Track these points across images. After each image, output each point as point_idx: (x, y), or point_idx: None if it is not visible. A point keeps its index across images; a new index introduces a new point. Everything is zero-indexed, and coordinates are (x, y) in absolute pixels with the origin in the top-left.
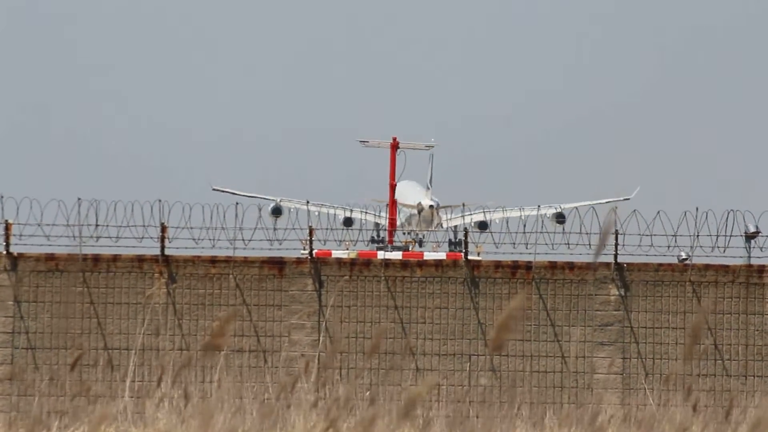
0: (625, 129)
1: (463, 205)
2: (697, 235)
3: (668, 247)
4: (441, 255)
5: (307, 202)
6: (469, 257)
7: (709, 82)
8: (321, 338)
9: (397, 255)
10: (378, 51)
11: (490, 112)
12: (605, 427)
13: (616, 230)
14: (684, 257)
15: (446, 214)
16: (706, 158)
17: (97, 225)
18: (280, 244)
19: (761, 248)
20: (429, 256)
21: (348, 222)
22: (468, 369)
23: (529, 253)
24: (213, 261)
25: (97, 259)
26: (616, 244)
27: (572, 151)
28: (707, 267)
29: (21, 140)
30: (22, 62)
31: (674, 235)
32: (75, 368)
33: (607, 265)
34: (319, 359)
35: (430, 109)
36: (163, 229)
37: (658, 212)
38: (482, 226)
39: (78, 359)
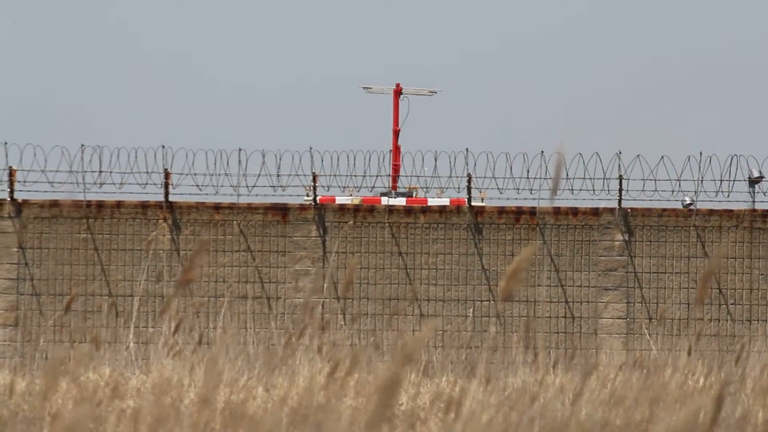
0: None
1: (467, 150)
2: (701, 180)
3: (672, 191)
4: (445, 201)
5: (311, 148)
6: (473, 203)
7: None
8: (325, 284)
9: (401, 201)
10: None
11: (494, 53)
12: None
13: (620, 175)
14: (688, 202)
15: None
16: (711, 102)
17: (100, 171)
18: (284, 190)
19: (765, 193)
20: (433, 202)
21: None
22: (472, 314)
23: (533, 199)
24: (217, 207)
25: (100, 205)
26: (620, 189)
27: (575, 96)
28: (711, 212)
29: (23, 86)
30: (26, 2)
31: (678, 180)
32: (69, 311)
33: (611, 210)
34: (323, 305)
35: (434, 53)
36: (167, 175)
37: (662, 157)
38: None
39: (71, 302)
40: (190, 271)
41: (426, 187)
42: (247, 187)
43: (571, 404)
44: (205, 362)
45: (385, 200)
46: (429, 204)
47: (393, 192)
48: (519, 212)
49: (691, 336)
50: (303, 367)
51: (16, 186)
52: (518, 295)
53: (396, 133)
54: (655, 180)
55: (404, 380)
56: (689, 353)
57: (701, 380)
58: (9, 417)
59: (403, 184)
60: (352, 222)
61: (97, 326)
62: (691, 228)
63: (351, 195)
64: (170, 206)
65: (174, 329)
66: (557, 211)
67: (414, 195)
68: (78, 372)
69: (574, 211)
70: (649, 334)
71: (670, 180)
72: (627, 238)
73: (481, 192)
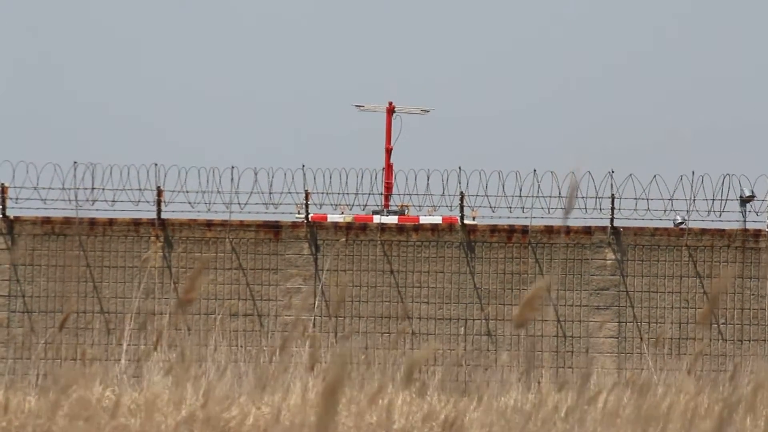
0: (619, 92)
1: (460, 168)
2: (694, 199)
3: (665, 211)
4: (437, 219)
5: (303, 166)
6: (465, 221)
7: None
8: (317, 302)
9: (393, 219)
10: (373, 12)
11: (487, 73)
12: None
13: (612, 194)
14: (680, 221)
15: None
16: (703, 121)
17: (93, 188)
18: (276, 208)
19: (756, 212)
20: (425, 220)
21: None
22: (464, 333)
23: (525, 217)
24: (209, 225)
25: (93, 222)
26: (612, 208)
27: (569, 115)
28: (703, 231)
29: (15, 103)
30: (18, 20)
31: (671, 199)
32: (63, 329)
33: (604, 229)
34: (314, 323)
35: (427, 73)
36: (159, 192)
37: (654, 176)
38: None
39: (65, 320)
40: (191, 290)
41: (419, 205)
42: (239, 204)
43: (564, 422)
44: (195, 379)
45: (377, 218)
46: (421, 222)
47: (385, 210)
48: (511, 230)
49: (690, 356)
50: (294, 384)
51: (8, 203)
52: (510, 313)
53: (388, 152)
54: (647, 199)
55: (398, 399)
56: (689, 372)
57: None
58: None
59: (395, 202)
60: (344, 240)
61: (88, 343)
62: (683, 247)
63: (342, 213)
64: (162, 223)
65: (155, 343)
66: (549, 230)
67: (406, 213)
68: (72, 389)
69: (567, 230)
70: (642, 354)
71: (662, 199)
72: (619, 257)
73: (473, 210)
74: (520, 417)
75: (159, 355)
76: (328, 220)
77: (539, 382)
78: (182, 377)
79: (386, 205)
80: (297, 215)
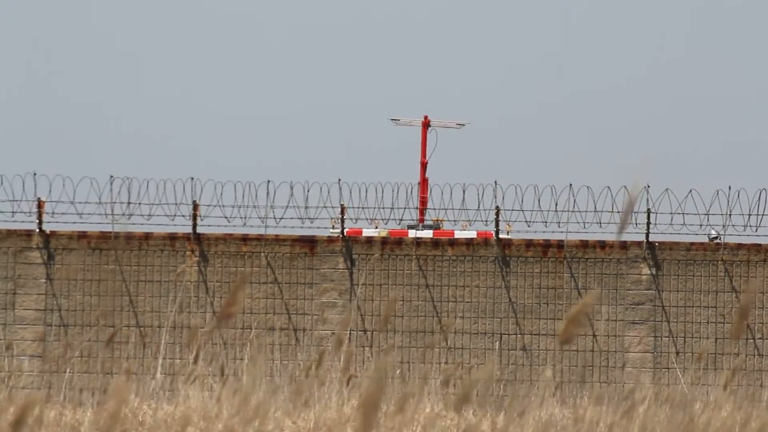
0: (655, 104)
1: (495, 183)
2: (730, 214)
3: (700, 225)
4: (472, 233)
5: (339, 180)
6: (501, 236)
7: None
8: (352, 317)
9: (428, 233)
10: (409, 26)
11: (524, 86)
12: (638, 406)
13: (648, 209)
14: (714, 235)
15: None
16: (739, 135)
17: (129, 203)
18: (312, 222)
19: None
20: (459, 234)
21: None
22: (499, 347)
23: (561, 232)
24: (245, 239)
25: (129, 236)
26: (648, 223)
27: (601, 127)
28: (739, 246)
29: (52, 117)
30: (47, 34)
31: (707, 214)
32: (109, 345)
33: (639, 243)
34: (350, 337)
35: (463, 87)
36: (195, 206)
37: (690, 191)
38: None
39: (113, 336)
40: (232, 305)
41: (454, 220)
42: (275, 218)
43: None
44: (232, 394)
45: (412, 233)
46: (456, 236)
47: (420, 224)
48: (547, 245)
49: (726, 371)
50: (330, 399)
51: (45, 217)
52: (546, 328)
53: (423, 166)
54: (683, 214)
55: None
56: (725, 388)
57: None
58: None
59: (430, 216)
60: (378, 255)
61: (124, 357)
62: (719, 262)
63: (377, 227)
64: (198, 238)
65: (195, 357)
66: (585, 245)
67: (440, 227)
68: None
69: (602, 245)
70: (677, 369)
71: (698, 214)
72: (654, 272)
73: (507, 224)
74: None
75: (195, 369)
76: (363, 234)
77: (575, 398)
78: (218, 391)
79: (421, 220)
80: (332, 230)
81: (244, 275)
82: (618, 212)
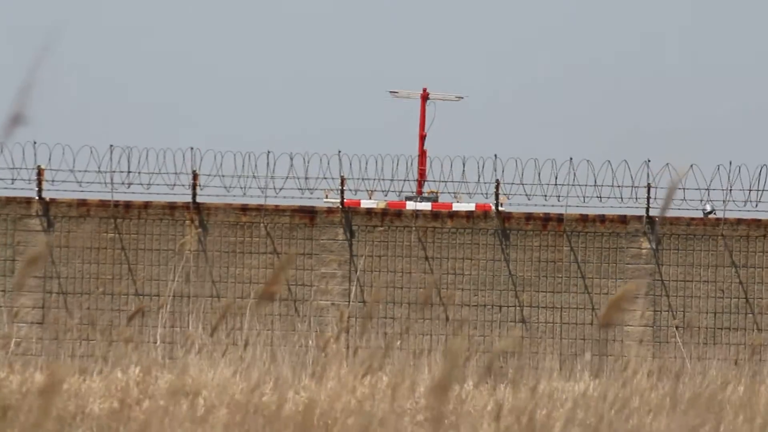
0: (656, 79)
1: (495, 156)
2: (730, 189)
3: (701, 200)
4: (469, 206)
5: (339, 152)
6: (500, 208)
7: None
8: (352, 288)
9: (426, 206)
10: None
11: (519, 61)
12: (637, 378)
13: (648, 183)
14: (708, 210)
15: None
16: (739, 111)
17: (129, 172)
18: (311, 193)
19: None
20: (457, 207)
21: None
22: (498, 320)
23: (561, 206)
24: (244, 209)
25: (128, 205)
26: (648, 197)
27: (604, 102)
28: (739, 221)
29: (52, 85)
30: (51, 6)
31: (707, 189)
32: (131, 321)
33: (639, 218)
34: (349, 308)
35: (461, 60)
36: (195, 176)
37: (691, 166)
38: None
39: (137, 312)
40: (274, 282)
41: (454, 192)
42: (274, 189)
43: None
44: (232, 363)
45: (410, 204)
46: (454, 209)
47: (417, 196)
48: (546, 218)
49: (726, 345)
50: (331, 369)
51: (45, 185)
52: (545, 300)
53: (422, 138)
54: (683, 189)
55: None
56: (736, 363)
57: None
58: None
59: (429, 188)
60: (380, 226)
61: (123, 326)
62: (719, 237)
63: (370, 197)
64: (197, 207)
65: (212, 330)
66: (585, 218)
67: (437, 199)
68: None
69: (602, 219)
70: (677, 342)
71: (699, 189)
72: (654, 246)
73: (504, 196)
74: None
75: (197, 339)
76: (361, 205)
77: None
78: (219, 361)
79: (419, 192)
80: (325, 200)
81: (290, 254)
82: (618, 186)
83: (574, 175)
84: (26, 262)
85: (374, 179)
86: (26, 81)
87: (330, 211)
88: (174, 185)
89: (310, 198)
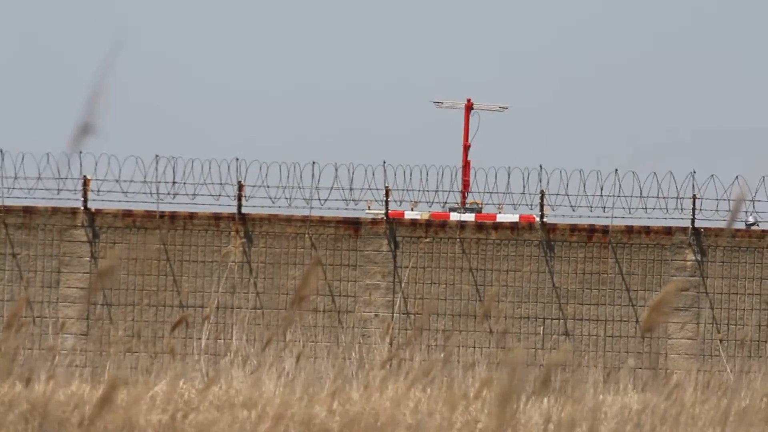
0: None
1: (540, 167)
2: None
3: (746, 212)
4: (514, 217)
5: (384, 162)
6: (544, 220)
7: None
8: (396, 299)
9: (470, 217)
10: (454, 8)
11: (564, 74)
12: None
13: (694, 195)
14: (751, 222)
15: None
16: None
17: (174, 182)
18: (356, 204)
19: None
20: (501, 218)
21: None
22: (542, 332)
23: (606, 217)
24: (289, 220)
25: (174, 216)
26: (693, 209)
27: (649, 114)
28: None
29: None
30: (94, 20)
31: (752, 201)
32: (174, 330)
33: (684, 229)
34: (393, 320)
35: (505, 70)
36: (240, 187)
37: (737, 177)
38: None
39: (180, 322)
40: (305, 287)
41: (498, 204)
42: (319, 200)
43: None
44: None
45: (454, 216)
46: (498, 220)
47: (461, 207)
48: (591, 230)
49: None
50: (375, 381)
51: (90, 195)
52: (588, 313)
53: (466, 149)
54: (728, 200)
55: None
56: None
57: None
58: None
59: (474, 200)
60: (424, 238)
61: (167, 337)
62: (765, 249)
63: (413, 209)
64: (243, 218)
65: (265, 345)
66: (630, 230)
67: (481, 210)
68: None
69: (647, 230)
70: (721, 356)
71: (744, 200)
72: (699, 258)
73: (548, 207)
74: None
75: (238, 350)
76: (405, 216)
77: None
78: (262, 373)
79: (463, 203)
80: (367, 211)
81: (316, 258)
82: (664, 198)
83: (620, 186)
84: (99, 273)
85: (419, 190)
86: (94, 91)
87: (375, 222)
88: (219, 196)
89: (354, 209)
